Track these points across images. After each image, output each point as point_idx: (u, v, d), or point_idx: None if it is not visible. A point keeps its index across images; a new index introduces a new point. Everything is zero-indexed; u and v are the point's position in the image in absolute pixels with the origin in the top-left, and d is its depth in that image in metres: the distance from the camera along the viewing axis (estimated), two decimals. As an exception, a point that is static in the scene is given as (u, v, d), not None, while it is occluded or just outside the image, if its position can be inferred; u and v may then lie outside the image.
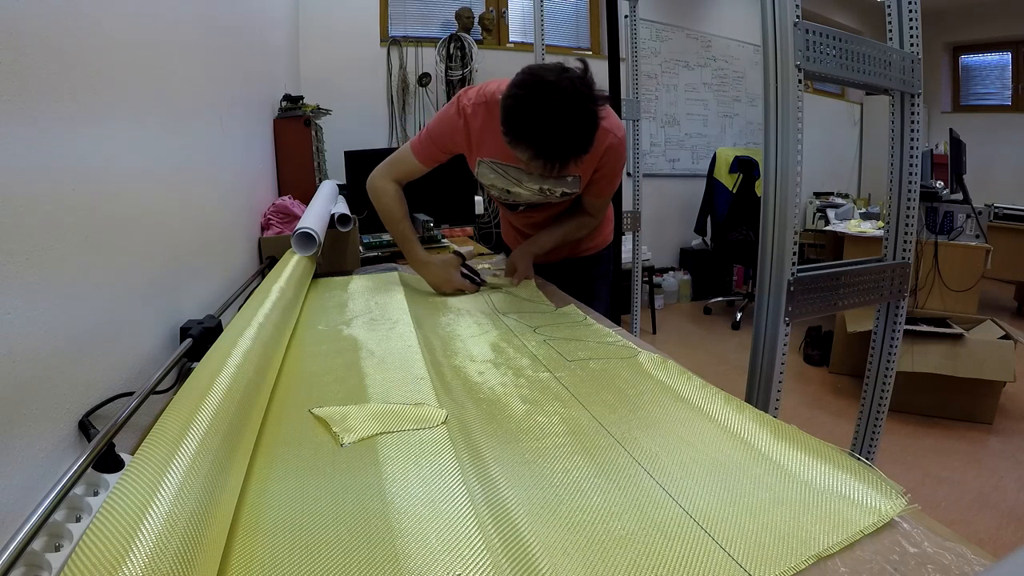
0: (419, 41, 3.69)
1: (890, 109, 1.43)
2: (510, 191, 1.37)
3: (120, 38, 0.82)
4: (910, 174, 1.42)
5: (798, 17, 1.09)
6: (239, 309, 0.97)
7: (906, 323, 1.53)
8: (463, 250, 1.90)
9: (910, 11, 1.35)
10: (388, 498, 0.53)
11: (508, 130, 1.09)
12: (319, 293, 1.39)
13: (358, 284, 1.47)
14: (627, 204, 3.19)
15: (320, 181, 2.12)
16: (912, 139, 1.40)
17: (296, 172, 2.12)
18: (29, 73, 0.58)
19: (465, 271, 1.42)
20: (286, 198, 1.78)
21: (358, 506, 0.52)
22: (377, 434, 0.66)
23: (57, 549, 0.49)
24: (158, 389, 0.75)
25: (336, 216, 1.62)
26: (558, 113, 1.04)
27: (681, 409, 0.73)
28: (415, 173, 1.40)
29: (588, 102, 1.06)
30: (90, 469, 0.56)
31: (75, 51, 0.69)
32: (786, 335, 1.18)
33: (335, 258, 1.66)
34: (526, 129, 1.06)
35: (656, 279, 4.28)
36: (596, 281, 1.60)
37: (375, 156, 2.08)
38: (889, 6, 1.38)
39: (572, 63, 1.10)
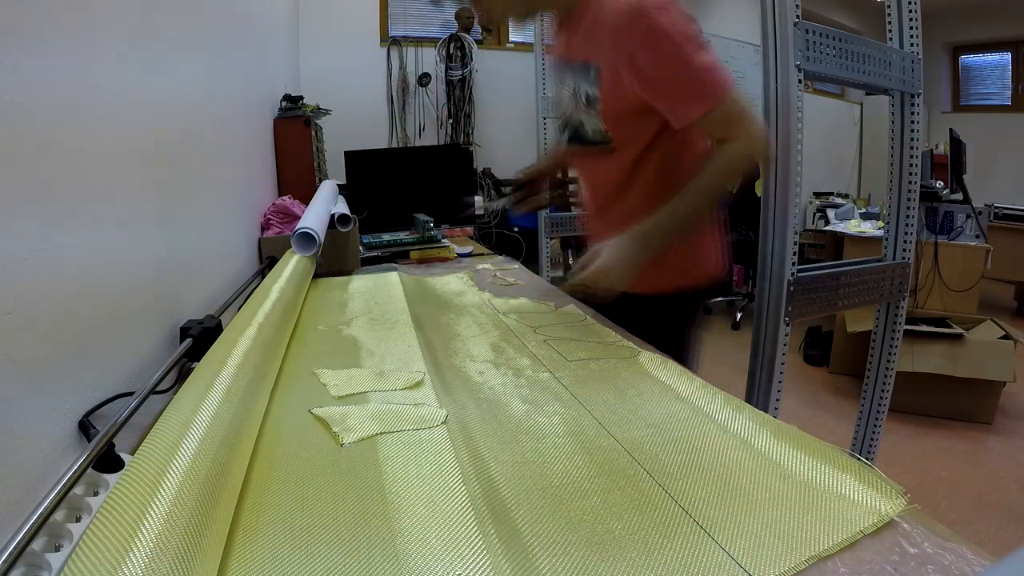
0: (419, 41, 3.69)
1: (890, 109, 1.43)
2: (559, 100, 1.07)
3: (120, 38, 0.82)
4: (910, 174, 1.42)
5: (798, 17, 1.09)
6: (239, 309, 0.97)
7: (906, 323, 1.53)
8: (466, 249, 1.91)
9: (910, 11, 1.36)
10: (388, 498, 0.53)
11: None
12: (319, 293, 1.39)
13: (358, 284, 1.47)
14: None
15: (320, 181, 2.12)
16: (912, 139, 1.40)
17: (296, 172, 2.12)
18: (28, 66, 0.58)
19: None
20: (286, 198, 1.78)
21: (358, 506, 0.52)
22: (377, 434, 0.66)
23: (57, 549, 0.49)
24: (158, 389, 0.75)
25: (336, 216, 1.62)
26: None
27: (681, 409, 0.73)
28: None
29: None
30: (90, 469, 0.56)
31: (78, 50, 0.69)
32: (786, 335, 1.18)
33: (335, 258, 1.66)
34: None
35: (656, 279, 4.27)
36: (684, 328, 1.12)
37: (375, 156, 2.09)
38: (889, 6, 1.38)
39: None
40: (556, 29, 0.94)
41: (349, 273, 1.63)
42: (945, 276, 3.04)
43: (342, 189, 2.03)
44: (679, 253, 1.03)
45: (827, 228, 4.26)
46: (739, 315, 4.00)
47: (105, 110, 0.76)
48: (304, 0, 3.36)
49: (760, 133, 0.96)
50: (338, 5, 3.47)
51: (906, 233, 1.44)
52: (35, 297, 0.57)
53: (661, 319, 1.06)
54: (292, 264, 1.24)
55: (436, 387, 0.80)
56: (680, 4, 0.88)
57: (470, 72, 3.58)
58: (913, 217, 1.43)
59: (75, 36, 0.69)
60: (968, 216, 3.25)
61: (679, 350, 1.06)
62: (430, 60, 3.65)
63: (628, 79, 0.91)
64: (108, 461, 0.60)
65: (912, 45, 1.36)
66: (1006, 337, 2.45)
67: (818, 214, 4.79)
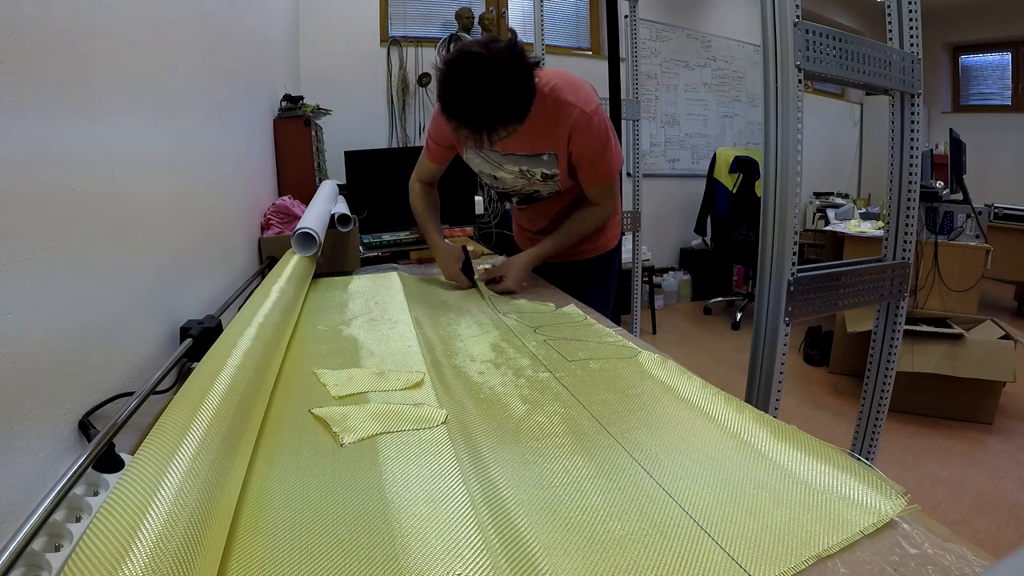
0: (419, 41, 3.69)
1: (890, 109, 1.43)
2: (496, 176, 1.45)
3: (120, 38, 0.82)
4: (910, 174, 1.42)
5: (798, 17, 1.09)
6: (239, 309, 0.97)
7: (906, 323, 1.53)
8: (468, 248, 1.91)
9: (910, 11, 1.36)
10: (388, 498, 0.53)
11: (440, 104, 1.15)
12: (319, 293, 1.39)
13: (358, 284, 1.47)
14: (627, 204, 3.19)
15: (320, 181, 2.12)
16: (912, 139, 1.40)
17: (296, 172, 2.12)
18: (30, 72, 0.58)
19: (465, 266, 1.48)
20: (286, 198, 1.78)
21: (358, 506, 0.52)
22: (377, 434, 0.66)
23: (57, 549, 0.49)
24: (158, 389, 0.75)
25: (336, 216, 1.62)
26: (471, 80, 1.07)
27: (681, 409, 0.73)
28: (432, 171, 1.53)
29: (505, 69, 1.07)
30: (90, 469, 0.56)
31: (76, 51, 0.69)
32: (786, 335, 1.18)
33: (335, 258, 1.66)
34: (447, 100, 1.11)
35: (656, 279, 4.28)
36: (592, 287, 1.55)
37: (375, 156, 2.09)
38: (889, 6, 1.38)
39: (505, 35, 1.14)
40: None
41: (349, 273, 1.63)
42: (945, 276, 3.04)
43: (342, 189, 2.03)
44: (589, 237, 1.52)
45: (827, 228, 4.26)
46: (739, 315, 4.00)
47: (107, 113, 0.76)
48: (304, 0, 3.36)
49: (613, 207, 1.51)
50: (338, 5, 3.47)
51: (906, 233, 1.44)
52: (35, 297, 0.57)
53: (580, 277, 1.55)
54: (292, 264, 1.24)
55: (436, 387, 0.80)
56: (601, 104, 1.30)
57: (470, 72, 3.59)
58: (913, 217, 1.43)
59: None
60: (968, 216, 3.24)
61: (597, 303, 1.42)
62: (430, 60, 3.64)
63: (564, 158, 1.33)
64: (108, 461, 0.60)
65: (912, 45, 1.35)
66: (1006, 337, 2.45)
67: (818, 214, 4.79)
